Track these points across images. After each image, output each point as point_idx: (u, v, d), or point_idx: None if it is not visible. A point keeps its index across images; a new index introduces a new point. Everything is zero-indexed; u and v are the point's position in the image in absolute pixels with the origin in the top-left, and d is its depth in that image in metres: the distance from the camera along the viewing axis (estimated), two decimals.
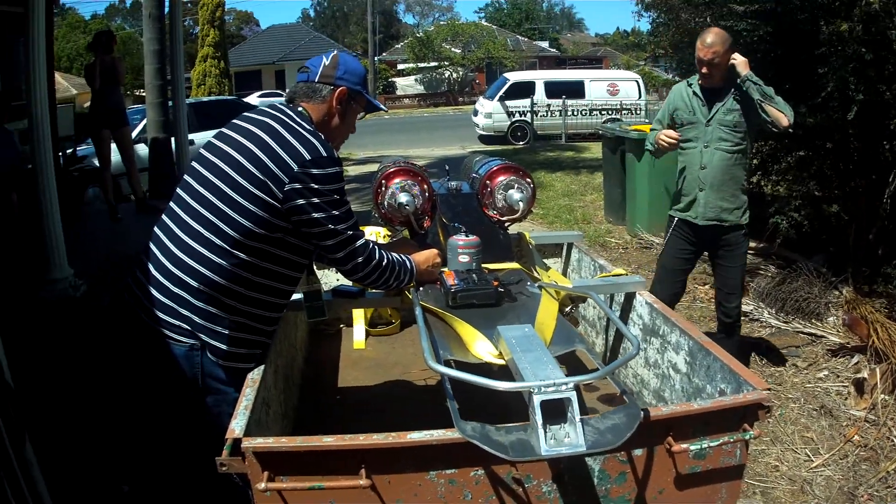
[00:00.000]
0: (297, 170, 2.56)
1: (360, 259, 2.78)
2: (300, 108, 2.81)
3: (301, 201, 2.57)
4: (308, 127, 2.70)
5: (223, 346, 2.66)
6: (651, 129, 5.07)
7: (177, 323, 2.64)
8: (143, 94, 30.89)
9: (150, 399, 2.92)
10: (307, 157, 2.58)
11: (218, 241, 2.59)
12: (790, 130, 4.65)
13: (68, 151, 10.28)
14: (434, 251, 3.28)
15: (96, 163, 10.44)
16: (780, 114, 4.45)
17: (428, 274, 3.20)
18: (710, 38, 4.53)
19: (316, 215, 2.61)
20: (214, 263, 2.59)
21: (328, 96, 2.82)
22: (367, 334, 4.42)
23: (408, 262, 3.04)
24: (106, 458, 4.10)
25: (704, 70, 4.62)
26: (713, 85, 4.70)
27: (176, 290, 2.63)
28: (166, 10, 11.52)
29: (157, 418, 2.95)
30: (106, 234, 8.60)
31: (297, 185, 2.56)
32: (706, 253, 5.11)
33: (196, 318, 2.63)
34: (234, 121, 2.82)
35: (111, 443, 4.15)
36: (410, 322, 4.62)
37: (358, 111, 2.97)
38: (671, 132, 4.76)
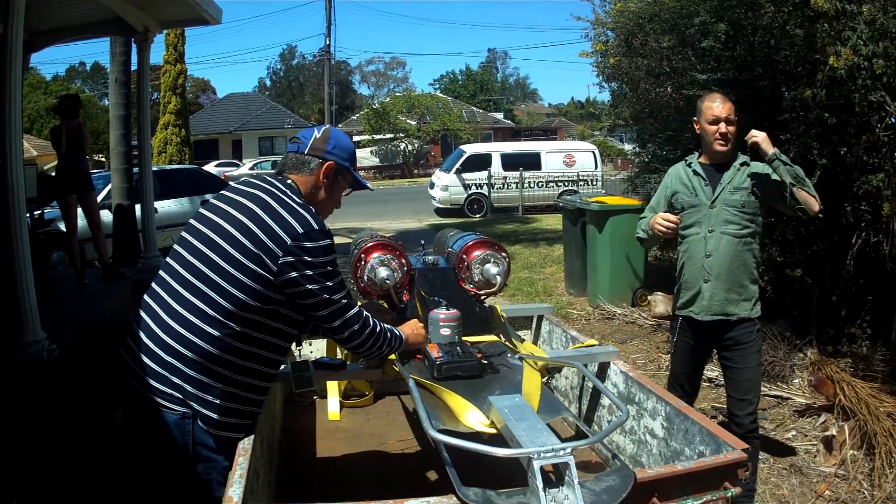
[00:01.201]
0: (290, 243, 2.61)
1: (355, 327, 2.82)
2: (289, 181, 2.86)
3: (295, 274, 2.62)
4: (298, 200, 2.76)
5: (214, 415, 2.69)
6: (641, 217, 4.54)
7: (168, 391, 2.66)
8: (103, 158, 30.71)
9: (140, 465, 2.93)
10: (300, 230, 2.63)
11: (211, 312, 2.63)
12: (820, 216, 4.15)
13: (35, 214, 10.20)
14: (417, 322, 3.31)
15: (62, 226, 10.39)
16: (812, 198, 3.95)
17: (414, 343, 3.22)
18: (720, 97, 4.20)
19: (310, 287, 2.65)
20: (207, 333, 2.63)
21: (316, 169, 2.88)
22: (342, 406, 4.45)
23: (396, 331, 3.08)
24: None
25: (720, 133, 4.14)
26: (725, 156, 4.22)
27: (168, 358, 2.66)
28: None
29: (147, 485, 2.96)
30: (74, 299, 8.52)
31: (291, 259, 2.61)
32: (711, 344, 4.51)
33: (188, 387, 2.65)
34: (224, 192, 2.88)
35: None
36: (383, 394, 4.68)
37: (344, 187, 3.03)
38: (670, 216, 4.16)
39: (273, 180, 2.86)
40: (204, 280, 2.65)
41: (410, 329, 3.23)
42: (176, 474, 2.79)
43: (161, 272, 2.82)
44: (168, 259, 2.82)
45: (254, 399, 2.83)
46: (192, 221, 2.82)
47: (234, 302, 2.62)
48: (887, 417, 4.97)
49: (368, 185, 3.20)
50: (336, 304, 2.75)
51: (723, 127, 4.11)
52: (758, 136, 4.02)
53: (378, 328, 2.94)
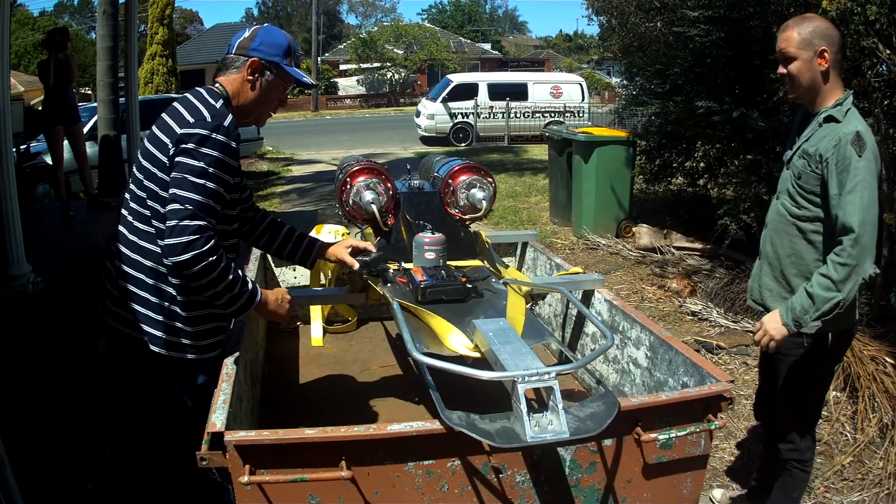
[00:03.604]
0: (179, 132, 2.56)
1: (186, 237, 2.46)
2: (217, 83, 2.80)
3: (178, 159, 2.54)
4: (209, 99, 2.69)
5: (161, 334, 2.72)
6: None
7: (124, 314, 2.73)
8: (89, 91, 30.41)
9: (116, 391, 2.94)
10: (190, 119, 2.59)
11: (143, 227, 2.67)
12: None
13: (21, 148, 10.14)
14: (283, 290, 3.04)
15: (48, 160, 10.33)
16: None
17: (271, 312, 2.94)
18: (787, 23, 3.07)
19: (174, 174, 2.53)
20: (145, 249, 2.68)
21: (241, 67, 2.78)
22: (325, 332, 4.43)
23: (249, 285, 2.76)
24: (71, 456, 4.09)
25: (779, 70, 3.12)
26: (808, 101, 3.09)
27: (121, 282, 2.73)
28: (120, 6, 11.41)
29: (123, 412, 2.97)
30: (58, 231, 8.51)
31: (177, 147, 2.55)
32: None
33: (139, 308, 2.71)
34: None
35: (76, 440, 4.14)
36: (366, 320, 4.68)
37: (278, 83, 2.85)
38: None
39: (198, 87, 2.81)
40: (137, 201, 2.69)
41: (275, 296, 2.94)
42: (147, 399, 2.82)
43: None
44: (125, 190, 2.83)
45: (198, 316, 2.76)
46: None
47: (158, 216, 2.61)
48: (871, 361, 4.97)
49: (308, 79, 2.99)
50: (183, 203, 2.49)
51: (780, 67, 3.11)
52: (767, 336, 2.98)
53: (226, 266, 2.60)
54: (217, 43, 50.25)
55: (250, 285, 2.75)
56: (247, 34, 2.83)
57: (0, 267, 5.93)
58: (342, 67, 51.54)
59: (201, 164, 2.52)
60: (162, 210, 2.56)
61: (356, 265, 3.21)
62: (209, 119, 2.58)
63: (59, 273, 6.51)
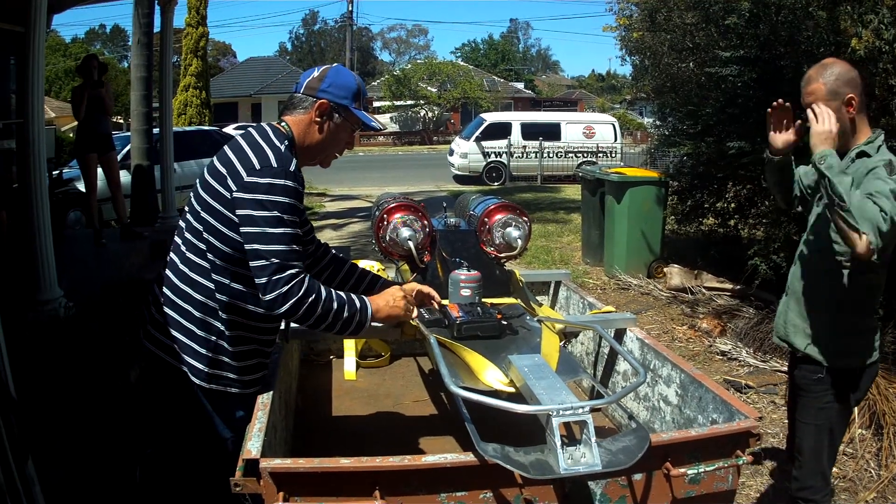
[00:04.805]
0: (245, 178, 2.54)
1: (281, 290, 2.53)
2: (283, 122, 2.78)
3: (244, 212, 2.53)
4: (274, 140, 2.66)
5: (203, 367, 2.72)
6: None
7: (168, 343, 2.74)
8: (121, 120, 30.80)
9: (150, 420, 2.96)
10: (257, 165, 2.55)
11: (201, 262, 2.67)
12: (874, 259, 2.74)
13: (54, 174, 10.27)
14: (397, 291, 3.01)
15: (80, 186, 10.46)
16: (852, 232, 2.70)
17: (389, 316, 2.94)
18: (809, 74, 3.07)
19: (250, 230, 2.53)
20: (200, 285, 2.68)
21: (309, 108, 2.74)
22: (358, 366, 4.49)
23: (357, 302, 2.79)
24: (100, 479, 4.14)
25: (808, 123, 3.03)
26: (841, 144, 2.99)
27: (170, 312, 2.73)
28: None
29: (158, 435, 3.00)
30: (91, 258, 8.60)
31: (243, 194, 2.53)
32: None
33: (183, 338, 2.71)
34: None
35: (106, 463, 4.20)
36: (400, 355, 4.73)
37: (346, 126, 2.82)
38: None
39: (262, 124, 2.80)
40: (193, 233, 2.67)
41: (385, 300, 2.93)
42: (181, 428, 2.86)
43: (175, 232, 2.84)
44: (180, 219, 2.83)
45: (243, 351, 2.78)
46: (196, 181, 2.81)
47: (214, 251, 2.63)
48: None
49: (375, 123, 2.94)
50: (269, 258, 2.52)
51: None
52: (814, 118, 2.96)
53: (323, 300, 2.64)
54: (250, 76, 50.86)
55: (358, 303, 2.78)
56: (315, 74, 2.79)
57: (32, 291, 6.00)
58: (375, 104, 51.88)
59: (275, 213, 2.53)
60: (217, 244, 2.61)
61: (415, 320, 3.08)
62: (275, 165, 2.56)
63: (92, 299, 6.56)
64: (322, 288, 2.66)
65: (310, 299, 2.58)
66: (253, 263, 2.54)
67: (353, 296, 2.80)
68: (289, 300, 2.53)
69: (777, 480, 4.50)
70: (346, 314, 2.72)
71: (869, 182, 2.83)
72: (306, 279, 2.59)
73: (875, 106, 5.74)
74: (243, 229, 2.54)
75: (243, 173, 2.55)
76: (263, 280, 2.52)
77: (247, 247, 2.54)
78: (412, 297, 3.06)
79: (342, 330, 2.75)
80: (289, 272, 2.53)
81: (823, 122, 2.91)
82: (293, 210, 2.59)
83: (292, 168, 2.60)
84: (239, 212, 2.54)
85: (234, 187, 2.55)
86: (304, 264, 2.65)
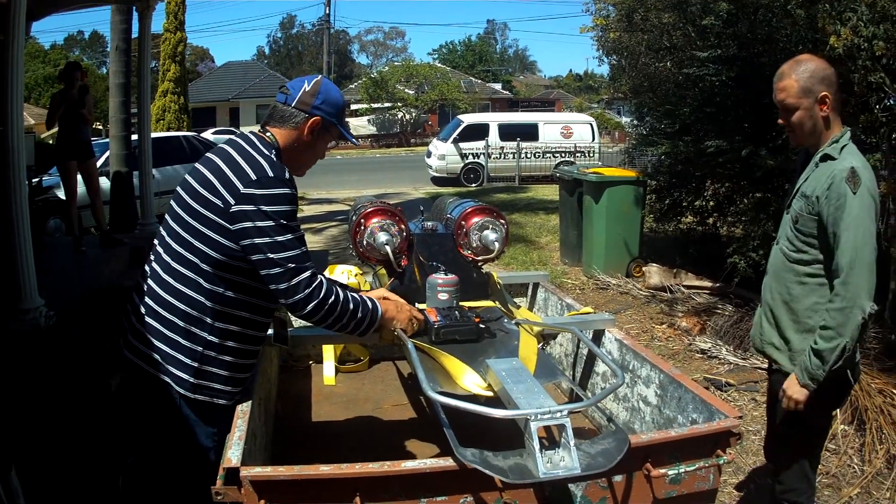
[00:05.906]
0: (242, 189, 2.54)
1: (302, 293, 2.61)
2: (268, 134, 2.78)
3: (247, 224, 2.54)
4: (263, 150, 2.67)
5: (190, 378, 2.68)
6: None
7: (150, 354, 2.70)
8: (100, 126, 30.62)
9: (132, 430, 2.94)
10: (253, 176, 2.56)
11: (187, 272, 2.64)
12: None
13: (33, 181, 10.18)
14: (404, 302, 3.12)
15: (60, 194, 10.39)
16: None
17: (394, 319, 3.01)
18: (782, 70, 2.99)
19: (258, 241, 2.55)
20: (185, 295, 2.65)
21: (301, 124, 2.76)
22: (337, 371, 4.48)
23: (369, 303, 2.88)
24: (82, 488, 4.12)
25: (780, 121, 3.06)
26: (811, 143, 3.04)
27: (152, 321, 2.69)
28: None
29: (139, 448, 2.98)
30: (71, 266, 8.54)
31: (243, 207, 2.54)
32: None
33: (167, 349, 2.68)
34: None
35: (87, 472, 4.17)
36: (378, 359, 4.72)
37: (329, 139, 2.90)
38: None
39: (248, 133, 2.81)
40: (178, 241, 2.66)
41: (395, 304, 3.06)
42: (163, 437, 2.83)
43: (154, 240, 2.82)
44: (160, 226, 2.81)
45: (231, 360, 2.76)
46: (177, 187, 2.79)
47: (204, 259, 2.61)
48: (878, 394, 5.01)
49: (354, 138, 3.07)
50: (282, 266, 2.57)
51: (781, 118, 3.06)
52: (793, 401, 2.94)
53: (340, 301, 2.73)
54: (228, 81, 50.66)
55: (370, 304, 2.87)
56: (307, 87, 2.78)
57: (13, 300, 5.96)
58: (353, 107, 51.77)
59: (281, 221, 2.57)
60: (209, 252, 2.59)
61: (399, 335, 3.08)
62: (271, 174, 2.59)
63: (72, 307, 6.52)
64: (338, 288, 2.76)
65: (330, 300, 2.68)
66: (267, 272, 2.58)
67: (365, 296, 2.90)
68: (310, 302, 2.63)
69: (759, 478, 4.50)
70: (360, 314, 2.81)
71: (837, 212, 2.79)
72: (324, 281, 2.70)
73: (854, 103, 5.78)
74: (249, 241, 2.55)
75: (239, 185, 2.55)
76: (283, 286, 2.59)
77: (255, 257, 2.57)
78: (420, 318, 3.14)
79: (354, 329, 2.84)
80: (306, 275, 2.62)
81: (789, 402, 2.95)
82: (294, 215, 2.66)
83: (287, 175, 2.65)
84: (241, 224, 2.55)
85: (230, 199, 2.55)
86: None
